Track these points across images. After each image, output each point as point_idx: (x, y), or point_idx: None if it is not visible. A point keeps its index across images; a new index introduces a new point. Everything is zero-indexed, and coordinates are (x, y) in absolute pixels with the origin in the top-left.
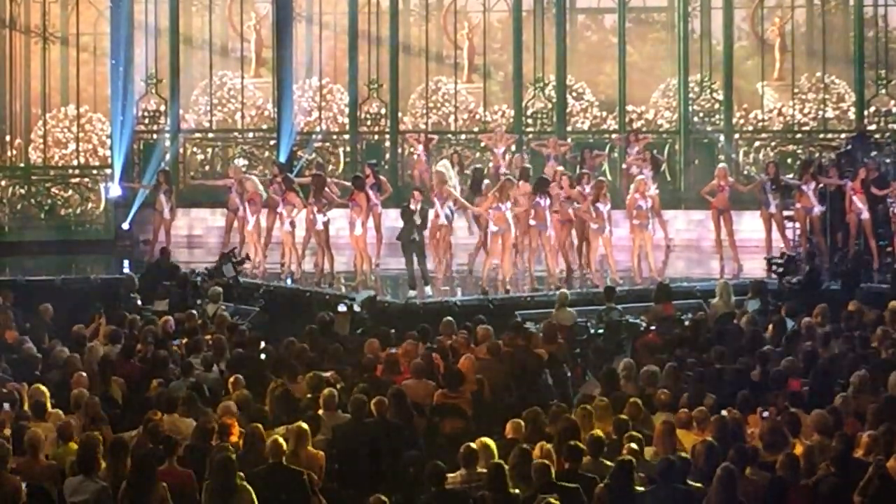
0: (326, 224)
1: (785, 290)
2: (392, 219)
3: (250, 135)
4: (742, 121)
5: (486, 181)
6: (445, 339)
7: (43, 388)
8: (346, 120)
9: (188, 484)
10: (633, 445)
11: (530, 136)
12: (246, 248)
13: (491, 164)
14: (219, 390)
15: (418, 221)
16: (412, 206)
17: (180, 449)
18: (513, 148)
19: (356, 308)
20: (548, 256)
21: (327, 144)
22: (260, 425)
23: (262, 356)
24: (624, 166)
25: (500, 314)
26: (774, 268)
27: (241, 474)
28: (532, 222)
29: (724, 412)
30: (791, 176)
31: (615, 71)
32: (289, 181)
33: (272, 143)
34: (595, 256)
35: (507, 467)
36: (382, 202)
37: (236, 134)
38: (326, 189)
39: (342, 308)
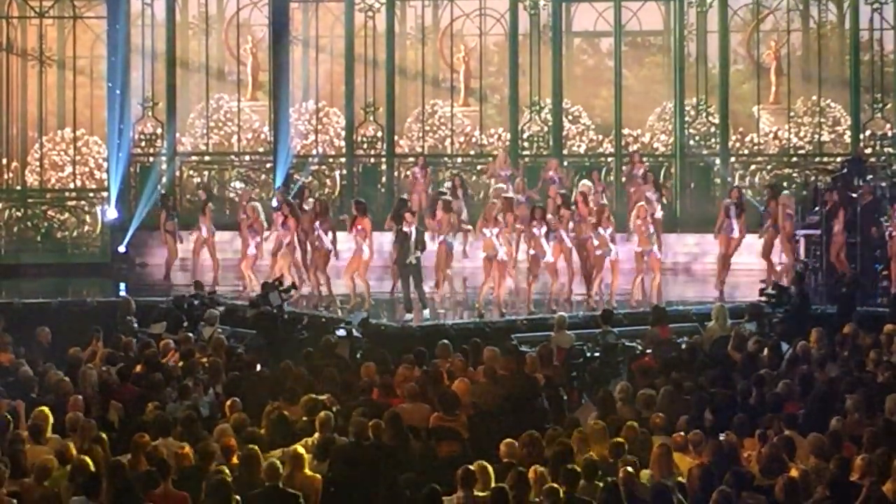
0: (334, 244)
1: (777, 318)
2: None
3: (247, 158)
4: (738, 144)
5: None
6: (442, 363)
7: (46, 411)
8: (343, 143)
9: None
10: (629, 469)
11: (526, 159)
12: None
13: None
14: (215, 413)
15: (413, 244)
16: (406, 230)
17: (174, 472)
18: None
19: (355, 332)
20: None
21: (323, 168)
22: (256, 448)
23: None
24: (632, 189)
25: (496, 337)
26: (766, 298)
27: (238, 497)
28: (531, 251)
29: (720, 436)
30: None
31: (611, 94)
32: (289, 205)
33: (268, 166)
34: (599, 280)
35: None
36: (376, 225)
37: (233, 157)
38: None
39: (341, 332)
